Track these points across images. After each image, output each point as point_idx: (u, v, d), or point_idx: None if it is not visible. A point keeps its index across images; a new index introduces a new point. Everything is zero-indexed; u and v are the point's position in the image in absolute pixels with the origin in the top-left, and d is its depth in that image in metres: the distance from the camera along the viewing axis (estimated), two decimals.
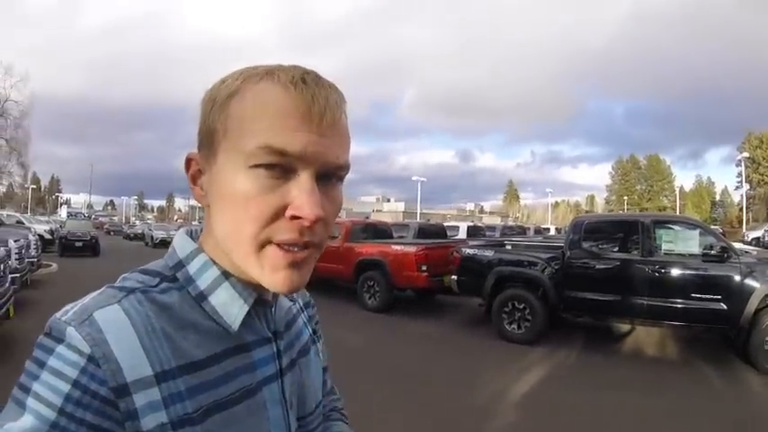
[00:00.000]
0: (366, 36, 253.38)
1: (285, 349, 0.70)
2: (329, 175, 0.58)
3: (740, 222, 52.49)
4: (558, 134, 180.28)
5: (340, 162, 0.58)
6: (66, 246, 20.69)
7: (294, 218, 0.54)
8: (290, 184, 0.55)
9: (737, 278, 5.78)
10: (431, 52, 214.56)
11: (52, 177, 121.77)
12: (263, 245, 0.56)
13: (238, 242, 0.57)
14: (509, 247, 8.45)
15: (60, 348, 0.52)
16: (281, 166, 0.54)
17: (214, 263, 0.63)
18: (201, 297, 0.62)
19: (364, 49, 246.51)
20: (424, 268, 8.97)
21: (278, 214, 0.55)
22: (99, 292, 0.58)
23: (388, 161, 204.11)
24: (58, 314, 0.55)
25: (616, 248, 6.87)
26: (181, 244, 0.66)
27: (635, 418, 4.41)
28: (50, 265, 14.84)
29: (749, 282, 5.72)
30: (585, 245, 7.00)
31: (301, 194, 0.54)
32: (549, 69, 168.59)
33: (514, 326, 7.17)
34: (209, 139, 0.59)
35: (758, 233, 30.30)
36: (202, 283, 0.62)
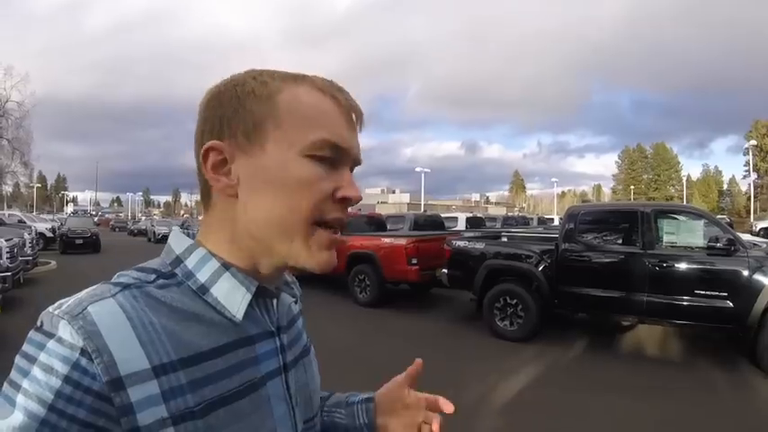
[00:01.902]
0: (371, 29, 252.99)
1: (289, 345, 0.69)
2: (351, 170, 0.66)
3: (748, 212, 51.95)
4: (565, 125, 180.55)
5: (360, 159, 0.67)
6: (67, 243, 20.96)
7: (343, 200, 0.62)
8: (336, 174, 0.62)
9: (745, 273, 5.32)
10: (437, 44, 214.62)
11: (58, 176, 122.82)
12: (315, 224, 0.61)
13: (289, 224, 0.60)
14: (505, 239, 8.04)
15: (51, 344, 0.50)
16: (329, 159, 0.61)
17: (214, 255, 0.63)
18: (203, 290, 0.61)
19: (370, 42, 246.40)
20: (414, 261, 8.70)
21: (328, 197, 0.61)
22: (94, 287, 0.57)
23: (393, 153, 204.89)
24: (51, 308, 0.53)
25: (613, 240, 6.43)
26: (176, 241, 0.65)
27: (626, 425, 4.10)
28: (49, 263, 15.01)
29: (758, 277, 5.25)
30: (581, 236, 6.55)
31: (348, 181, 0.63)
32: (557, 60, 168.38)
33: (506, 322, 6.82)
34: (251, 130, 0.61)
35: (766, 223, 30.02)
36: (202, 275, 0.61)
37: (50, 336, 0.51)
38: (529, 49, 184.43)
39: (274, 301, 0.69)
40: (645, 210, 6.19)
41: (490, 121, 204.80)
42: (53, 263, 15.17)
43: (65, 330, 0.50)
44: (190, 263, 0.62)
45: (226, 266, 0.62)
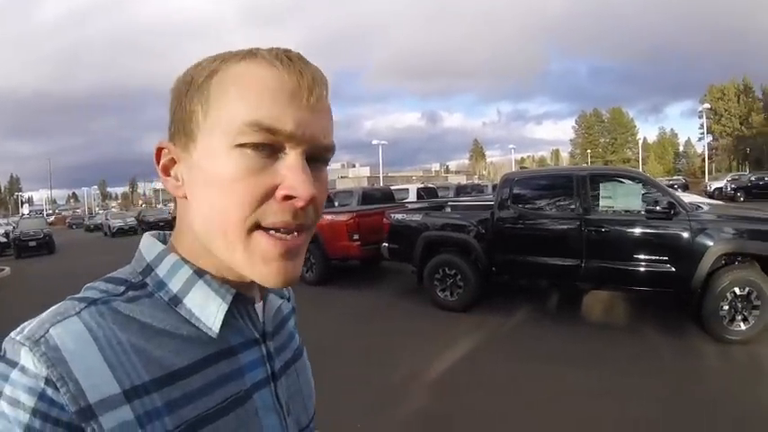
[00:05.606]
0: (329, 4, 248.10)
1: (277, 351, 0.64)
2: (316, 158, 0.53)
3: (703, 173, 53.12)
4: (524, 93, 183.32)
5: (327, 142, 0.54)
6: (20, 247, 20.22)
7: (286, 198, 0.50)
8: (279, 164, 0.51)
9: (686, 236, 5.08)
10: (395, 16, 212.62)
11: (11, 177, 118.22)
12: (250, 230, 0.51)
13: (223, 230, 0.51)
14: (448, 210, 7.75)
15: (15, 374, 0.46)
16: (269, 146, 0.50)
17: (186, 262, 0.56)
18: (175, 300, 0.55)
19: (328, 16, 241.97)
20: (355, 237, 8.42)
21: (267, 196, 0.50)
22: (58, 305, 0.51)
23: (354, 127, 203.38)
24: (13, 333, 0.49)
25: (549, 206, 6.13)
26: (147, 246, 0.59)
27: (557, 394, 3.94)
28: (2, 269, 14.56)
29: (701, 240, 5.02)
30: (516, 203, 6.28)
31: (293, 173, 0.50)
32: (516, 29, 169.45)
33: (447, 293, 6.66)
34: (186, 124, 0.53)
35: (720, 183, 31.04)
36: (174, 285, 0.55)
37: (13, 365, 0.46)
38: (487, 17, 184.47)
39: (258, 305, 0.62)
40: (580, 174, 5.94)
41: (450, 92, 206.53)
42: (6, 269, 14.61)
43: (26, 358, 0.46)
44: (161, 271, 0.56)
45: (199, 274, 0.55)
